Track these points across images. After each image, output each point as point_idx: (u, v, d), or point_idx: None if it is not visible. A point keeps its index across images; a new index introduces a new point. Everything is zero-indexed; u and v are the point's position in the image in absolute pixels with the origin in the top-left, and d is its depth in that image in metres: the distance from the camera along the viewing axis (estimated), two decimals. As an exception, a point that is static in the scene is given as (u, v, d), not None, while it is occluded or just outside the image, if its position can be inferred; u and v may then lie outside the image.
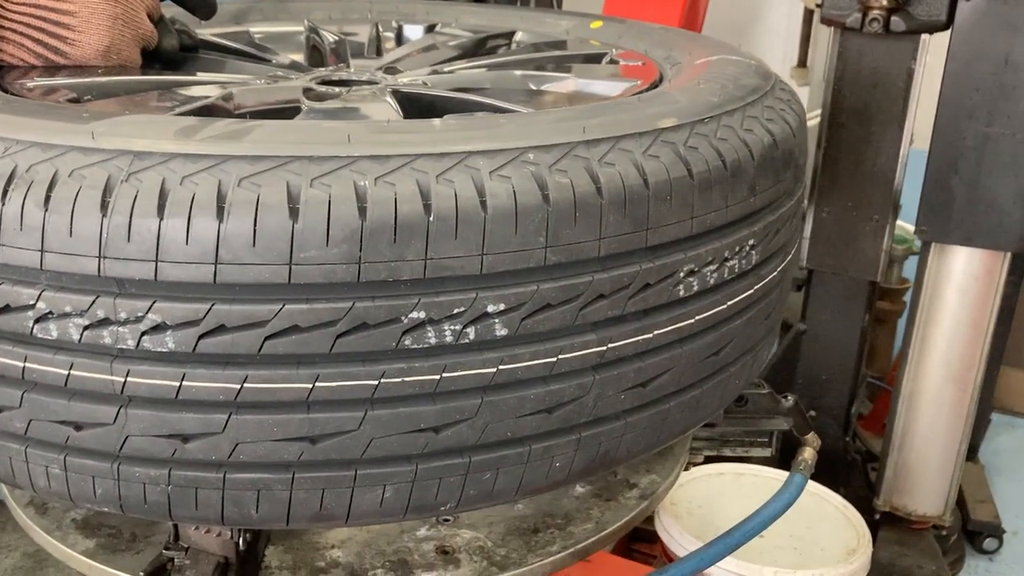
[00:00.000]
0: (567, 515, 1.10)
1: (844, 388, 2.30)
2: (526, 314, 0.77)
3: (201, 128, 0.77)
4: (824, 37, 2.41)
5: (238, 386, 0.73)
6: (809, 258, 2.21)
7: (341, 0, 1.68)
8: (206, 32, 1.37)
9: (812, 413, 2.29)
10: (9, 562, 1.21)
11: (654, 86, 1.14)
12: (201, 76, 1.21)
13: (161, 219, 0.70)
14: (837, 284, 2.23)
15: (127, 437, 0.76)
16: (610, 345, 0.83)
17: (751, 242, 0.92)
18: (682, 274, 0.85)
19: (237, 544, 0.93)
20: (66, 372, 0.74)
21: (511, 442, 0.82)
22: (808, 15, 3.24)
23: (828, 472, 2.21)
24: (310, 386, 0.74)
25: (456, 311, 0.75)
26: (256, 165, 0.72)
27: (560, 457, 0.85)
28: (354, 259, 0.71)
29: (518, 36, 1.53)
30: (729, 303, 0.92)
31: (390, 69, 1.29)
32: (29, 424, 0.77)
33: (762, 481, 1.94)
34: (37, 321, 0.74)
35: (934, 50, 1.99)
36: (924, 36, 1.97)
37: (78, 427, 0.76)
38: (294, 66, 1.31)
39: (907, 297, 2.66)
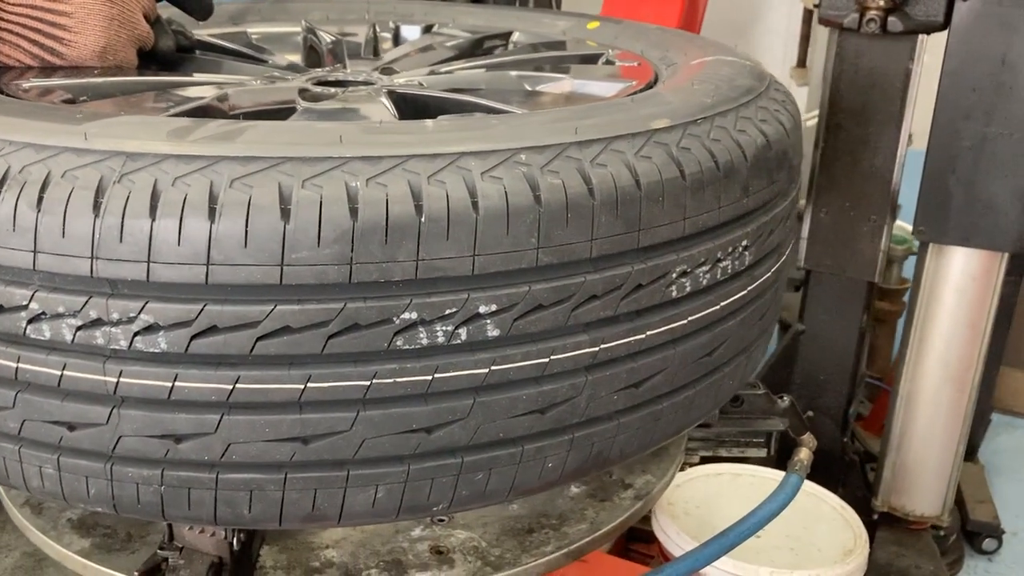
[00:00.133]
0: (562, 515, 1.10)
1: (842, 388, 2.30)
2: (518, 315, 0.77)
3: (194, 129, 0.77)
4: (823, 37, 2.41)
5: (230, 387, 0.74)
6: (807, 258, 2.21)
7: (339, 1, 1.69)
8: (203, 33, 1.37)
9: (810, 413, 2.29)
10: (9, 561, 1.21)
11: (649, 87, 1.14)
12: (197, 77, 1.21)
13: (153, 220, 0.70)
14: (835, 284, 2.23)
15: (120, 437, 0.76)
16: (602, 346, 0.83)
17: (744, 243, 0.92)
18: (675, 275, 0.85)
19: (231, 544, 0.93)
20: (59, 372, 0.75)
21: (503, 443, 0.82)
22: (808, 15, 3.24)
23: (826, 472, 2.21)
24: (302, 387, 0.74)
25: (448, 312, 0.75)
26: (248, 166, 0.72)
27: (553, 458, 0.85)
28: (345, 260, 0.71)
29: (515, 37, 1.53)
30: (722, 304, 0.92)
31: (386, 70, 1.29)
32: (23, 424, 0.77)
33: (760, 481, 1.94)
34: (30, 322, 0.74)
35: (934, 50, 1.99)
36: (921, 36, 1.97)
37: (71, 427, 0.77)
38: (291, 67, 1.32)
39: (907, 297, 2.66)
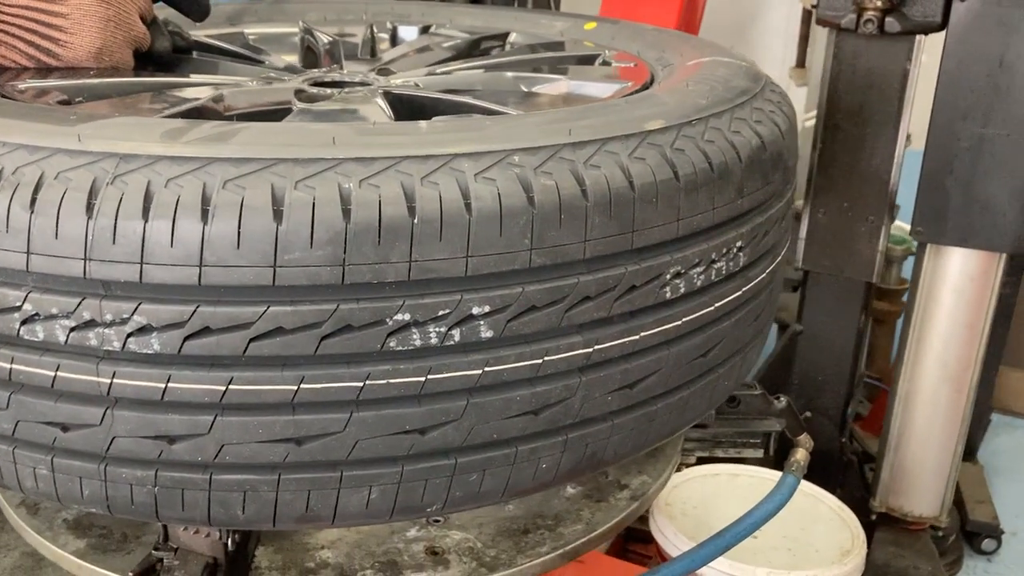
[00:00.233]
0: (557, 516, 1.10)
1: (840, 389, 2.30)
2: (511, 316, 0.77)
3: (187, 131, 0.77)
4: (822, 37, 2.40)
5: (223, 388, 0.74)
6: (805, 259, 2.21)
7: (336, 1, 1.69)
8: (200, 34, 1.37)
9: (808, 414, 2.29)
10: (8, 561, 1.22)
11: (645, 87, 1.14)
12: (194, 78, 1.21)
13: (146, 221, 0.70)
14: (833, 285, 2.23)
15: (113, 438, 0.76)
16: (596, 347, 0.83)
17: (739, 244, 0.92)
18: (668, 276, 0.85)
19: (226, 545, 0.93)
20: (53, 373, 0.75)
21: (497, 444, 0.82)
22: (807, 15, 3.23)
23: (824, 473, 2.21)
24: (295, 388, 0.74)
25: (441, 313, 0.75)
26: (241, 167, 0.72)
27: (547, 459, 0.85)
28: (338, 261, 0.71)
29: (512, 37, 1.54)
30: (717, 305, 0.92)
31: (383, 70, 1.29)
32: (16, 425, 0.78)
33: (757, 482, 1.94)
34: (24, 323, 0.74)
35: (933, 50, 1.99)
36: (919, 37, 1.97)
37: (65, 428, 0.77)
38: (288, 67, 1.32)
39: (906, 297, 2.66)
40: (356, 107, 1.06)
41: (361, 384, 0.75)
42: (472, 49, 1.49)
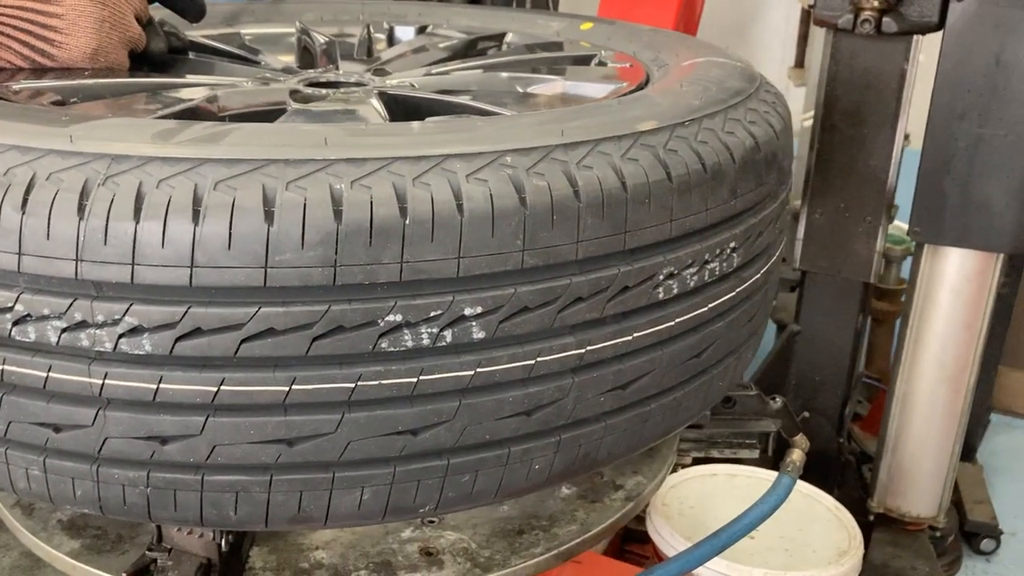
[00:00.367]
0: (552, 517, 1.10)
1: (838, 389, 2.30)
2: (503, 317, 0.77)
3: (179, 131, 0.77)
4: (821, 37, 2.40)
5: (215, 388, 0.74)
6: (802, 259, 2.21)
7: (333, 2, 1.69)
8: (196, 34, 1.37)
9: (806, 414, 2.29)
10: (7, 561, 1.21)
11: (640, 88, 1.14)
12: (189, 79, 1.21)
13: (137, 222, 0.70)
14: (830, 285, 2.23)
15: (106, 439, 0.76)
16: (589, 348, 0.83)
17: (732, 245, 0.92)
18: (661, 277, 0.85)
19: (219, 545, 0.93)
20: (44, 374, 0.75)
21: (490, 444, 0.82)
22: (806, 15, 3.24)
23: (822, 473, 2.22)
24: (287, 389, 0.74)
25: (433, 314, 0.75)
26: (232, 168, 0.72)
27: (540, 459, 0.85)
28: (330, 262, 0.71)
29: (508, 38, 1.54)
30: (710, 306, 0.92)
31: (379, 71, 1.29)
32: (8, 426, 0.78)
33: (755, 482, 1.94)
34: (15, 324, 0.74)
35: (932, 50, 1.99)
36: (917, 37, 1.97)
37: (57, 429, 0.77)
38: (284, 68, 1.32)
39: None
40: (351, 108, 1.06)
41: (353, 385, 0.75)
42: (469, 49, 1.49)
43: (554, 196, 0.77)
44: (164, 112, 0.98)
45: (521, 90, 1.20)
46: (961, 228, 1.95)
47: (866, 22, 1.91)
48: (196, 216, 0.70)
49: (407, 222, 0.72)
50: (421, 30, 1.61)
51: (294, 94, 1.10)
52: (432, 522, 1.07)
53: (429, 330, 0.75)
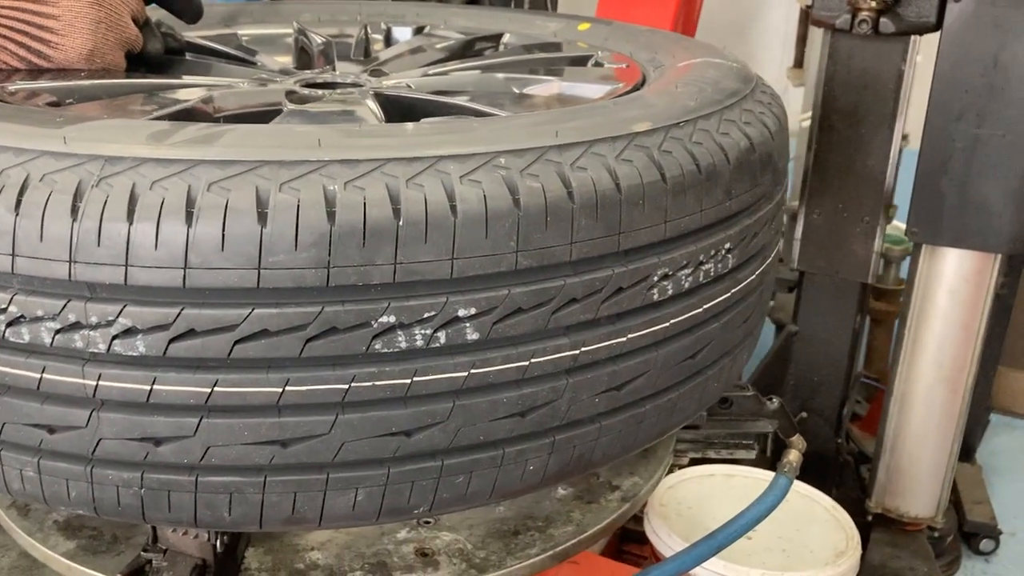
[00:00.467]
0: (548, 517, 1.10)
1: (836, 389, 2.30)
2: (497, 318, 0.77)
3: (172, 133, 0.77)
4: (819, 37, 2.40)
5: (209, 390, 0.74)
6: (800, 260, 2.21)
7: (331, 2, 1.69)
8: (193, 35, 1.37)
9: (804, 414, 2.29)
10: (6, 561, 1.21)
11: (636, 89, 1.14)
12: (186, 79, 1.21)
13: (131, 224, 0.70)
14: (828, 286, 2.23)
15: (100, 440, 0.76)
16: (583, 349, 0.83)
17: (727, 246, 0.92)
18: (656, 278, 0.85)
19: (214, 546, 0.93)
20: (38, 376, 0.75)
21: (484, 446, 0.82)
22: (804, 15, 3.23)
23: (820, 474, 2.21)
24: (280, 390, 0.74)
25: (427, 315, 0.75)
26: (226, 170, 0.72)
27: (534, 461, 0.85)
28: (323, 263, 0.71)
29: (506, 38, 1.53)
30: (705, 307, 0.92)
31: (376, 72, 1.29)
32: (2, 427, 0.78)
33: (752, 482, 1.94)
34: (9, 325, 0.74)
35: (930, 50, 1.99)
36: (914, 37, 1.97)
37: (51, 430, 0.77)
38: (281, 69, 1.32)
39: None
40: (346, 109, 1.06)
41: (347, 386, 0.75)
42: (466, 50, 1.49)
43: (548, 197, 0.77)
44: (160, 113, 0.98)
45: (517, 91, 1.20)
46: (959, 228, 1.95)
47: (863, 22, 1.91)
48: (189, 217, 0.70)
49: (400, 223, 0.72)
50: (419, 31, 1.61)
51: (290, 95, 1.10)
52: (428, 523, 1.07)
53: (423, 331, 0.75)
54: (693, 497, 1.94)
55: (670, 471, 1.34)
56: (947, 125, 1.89)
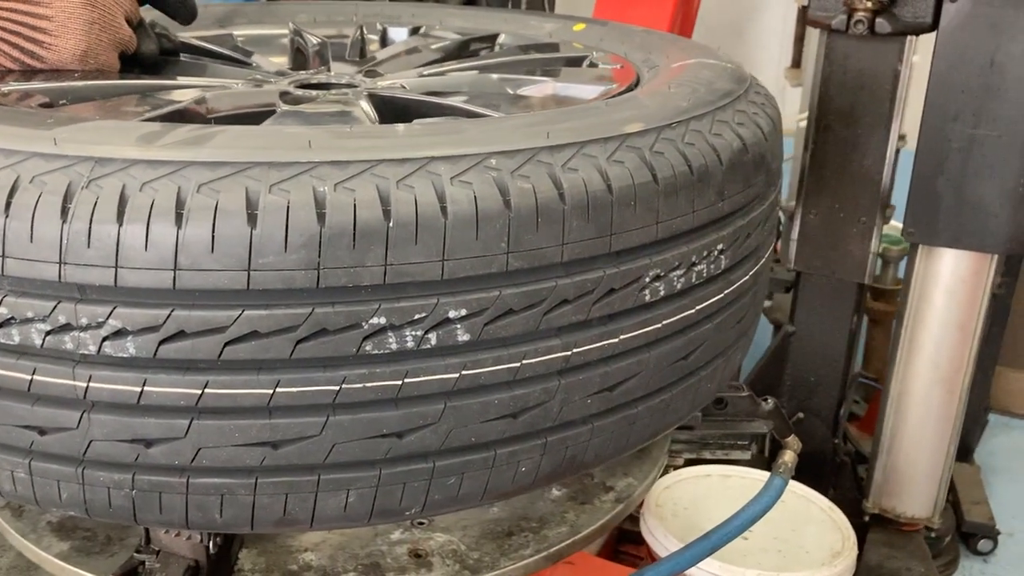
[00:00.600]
0: (542, 518, 1.10)
1: (833, 390, 2.30)
2: (488, 319, 0.77)
3: (163, 134, 0.77)
4: (816, 38, 2.40)
5: (199, 391, 0.74)
6: (797, 260, 2.21)
7: (327, 3, 1.69)
8: (188, 35, 1.37)
9: (800, 415, 2.29)
10: (4, 561, 1.21)
11: (630, 89, 1.14)
12: (180, 80, 1.21)
13: (120, 225, 0.70)
14: (825, 286, 2.23)
15: (91, 442, 0.76)
16: (575, 350, 0.83)
17: (720, 247, 0.92)
18: (648, 279, 0.85)
19: (207, 548, 0.93)
20: (29, 377, 0.75)
21: (476, 447, 0.82)
22: (802, 15, 3.23)
23: (817, 474, 2.21)
24: (271, 391, 0.74)
25: (417, 316, 0.75)
26: (216, 171, 0.72)
27: (526, 462, 0.85)
28: (313, 265, 0.71)
29: (501, 39, 1.53)
30: (698, 308, 0.92)
31: (370, 72, 1.29)
32: (-7, 429, 0.78)
33: (749, 483, 1.93)
34: (-1, 326, 0.74)
35: (925, 50, 1.99)
36: (911, 37, 1.97)
37: (42, 431, 0.77)
38: (276, 69, 1.32)
39: (900, 298, 2.65)
40: (340, 109, 1.06)
41: (337, 388, 0.75)
42: (461, 51, 1.49)
43: (539, 198, 0.77)
44: (153, 114, 0.98)
45: (511, 91, 1.20)
46: (955, 229, 1.94)
47: (859, 23, 1.91)
48: (179, 219, 0.70)
49: (391, 225, 0.72)
50: (414, 31, 1.60)
51: (284, 96, 1.10)
52: (422, 524, 1.07)
53: (413, 333, 0.75)
54: (689, 497, 1.93)
55: (665, 471, 1.34)
56: (943, 125, 1.89)
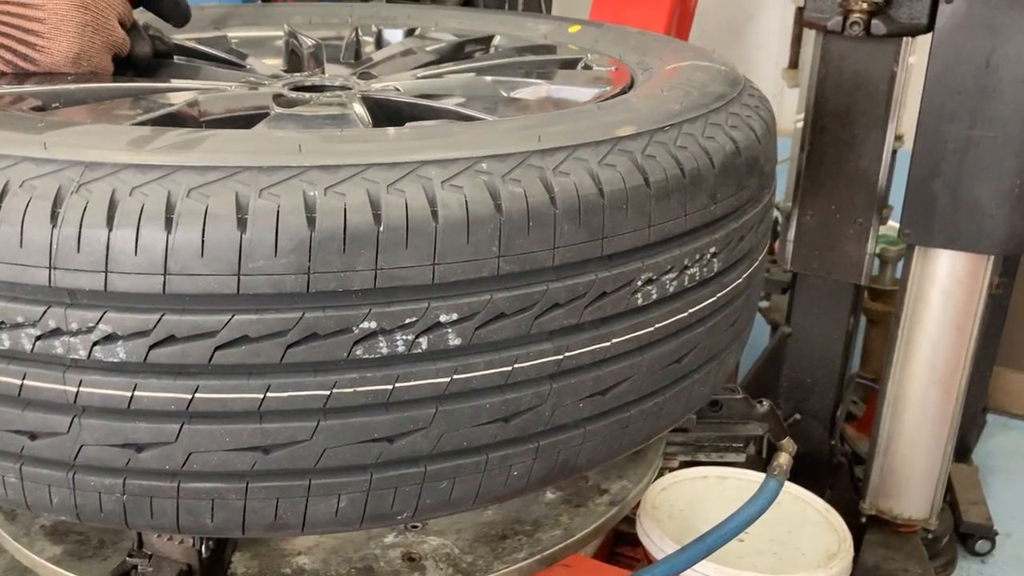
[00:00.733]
0: (536, 521, 1.10)
1: (829, 391, 2.30)
2: (480, 324, 0.77)
3: (153, 138, 0.77)
4: (813, 38, 2.40)
5: (189, 396, 0.74)
6: (793, 261, 2.21)
7: (322, 5, 1.69)
8: (182, 37, 1.37)
9: (797, 416, 2.29)
10: (2, 562, 1.21)
11: (624, 92, 1.14)
12: (174, 83, 1.21)
13: (110, 230, 0.70)
14: (822, 287, 2.23)
15: (81, 447, 0.76)
16: (567, 354, 0.83)
17: (712, 250, 0.92)
18: (640, 282, 0.85)
19: (199, 552, 0.93)
20: (19, 382, 0.75)
21: (467, 451, 0.82)
22: (799, 15, 3.22)
23: (814, 475, 2.21)
24: (261, 396, 0.74)
25: (408, 321, 0.75)
26: (206, 176, 0.72)
27: (518, 466, 0.85)
28: (303, 269, 0.71)
29: (496, 41, 1.53)
30: (690, 311, 0.92)
31: (365, 74, 1.29)
32: (-16, 433, 0.77)
33: (745, 484, 1.93)
34: (-10, 331, 0.74)
35: (922, 51, 1.98)
36: (907, 38, 1.97)
37: (33, 436, 0.77)
38: (270, 72, 1.31)
39: (898, 299, 2.65)
40: (333, 112, 1.06)
41: (328, 392, 0.75)
42: (456, 53, 1.49)
43: (530, 202, 0.77)
44: (145, 117, 0.97)
45: (505, 94, 1.20)
46: (951, 230, 1.94)
47: (855, 24, 1.91)
48: (169, 224, 0.70)
49: (381, 229, 0.72)
50: (409, 33, 1.60)
51: (277, 98, 1.09)
52: (415, 527, 1.07)
53: (404, 337, 0.75)
54: (685, 499, 1.93)
55: (660, 474, 1.34)
56: (939, 126, 1.88)
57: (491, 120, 0.98)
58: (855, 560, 1.89)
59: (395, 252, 0.73)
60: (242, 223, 0.70)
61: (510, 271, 0.77)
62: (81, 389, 0.74)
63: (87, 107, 1.05)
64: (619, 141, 0.85)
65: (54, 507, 0.80)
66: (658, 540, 1.76)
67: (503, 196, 0.76)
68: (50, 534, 1.05)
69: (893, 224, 2.43)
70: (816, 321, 2.26)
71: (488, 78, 1.23)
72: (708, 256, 0.92)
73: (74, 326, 0.72)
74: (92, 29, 1.11)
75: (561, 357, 0.82)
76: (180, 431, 0.75)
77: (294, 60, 1.45)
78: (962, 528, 2.51)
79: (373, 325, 0.74)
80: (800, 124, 2.30)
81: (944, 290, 2.02)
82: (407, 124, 0.97)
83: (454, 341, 0.77)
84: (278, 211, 0.71)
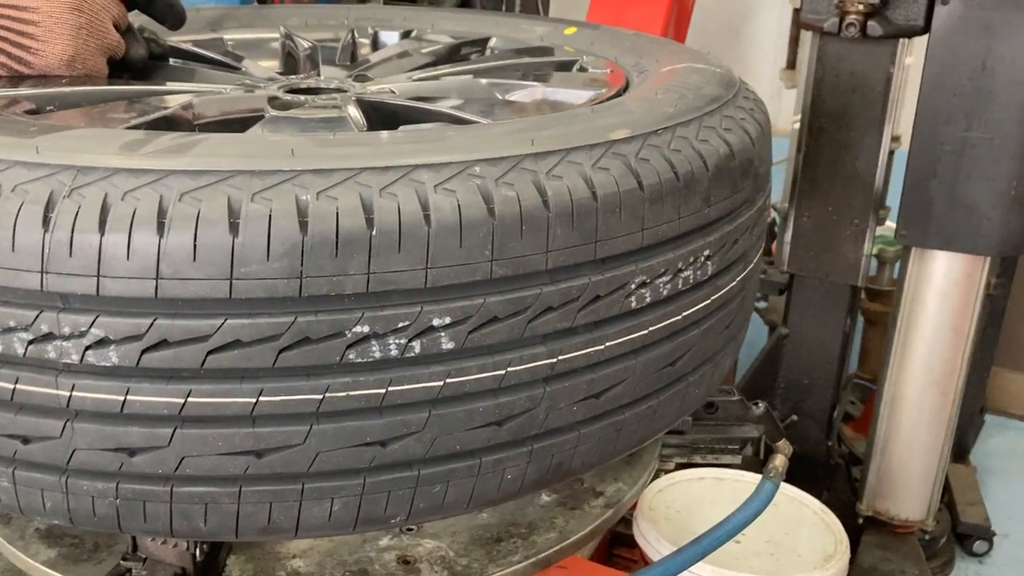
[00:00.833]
0: (531, 524, 1.10)
1: (826, 392, 2.30)
2: (473, 327, 0.77)
3: (145, 142, 0.77)
4: (810, 39, 2.40)
5: (182, 400, 0.74)
6: (790, 262, 2.21)
7: (318, 7, 1.68)
8: (178, 39, 1.37)
9: (794, 417, 2.29)
10: (0, 563, 1.21)
11: (619, 94, 1.14)
12: (169, 85, 1.21)
13: (102, 234, 0.70)
14: (818, 288, 2.23)
15: (74, 451, 0.76)
16: (560, 357, 0.83)
17: (707, 253, 0.92)
18: (633, 286, 0.85)
19: (194, 555, 0.93)
20: (12, 386, 0.75)
21: (461, 455, 0.82)
22: (797, 16, 3.22)
23: (811, 476, 2.22)
24: (254, 400, 0.74)
25: (401, 325, 0.75)
26: (198, 180, 0.72)
27: (512, 469, 0.85)
28: (295, 274, 0.71)
29: (492, 43, 1.53)
30: (684, 314, 0.92)
31: (360, 76, 1.29)
32: (-23, 438, 0.77)
33: (742, 486, 1.94)
34: (-18, 336, 0.74)
35: (919, 52, 1.98)
36: (903, 40, 1.97)
37: (25, 441, 0.77)
38: (266, 74, 1.31)
39: (895, 300, 2.65)
40: (328, 115, 1.06)
41: (321, 396, 0.75)
42: (452, 54, 1.49)
43: (523, 206, 0.77)
44: (140, 120, 0.97)
45: (500, 96, 1.20)
46: (948, 231, 1.94)
47: (851, 25, 1.91)
48: (161, 228, 0.70)
49: (374, 233, 0.72)
50: (405, 35, 1.60)
51: (272, 100, 1.09)
52: (410, 530, 1.07)
53: (397, 341, 0.75)
54: (682, 501, 1.93)
55: (656, 476, 1.34)
56: (936, 128, 1.89)
57: (484, 123, 0.98)
58: (852, 561, 1.89)
59: (388, 256, 0.73)
60: (234, 227, 0.70)
61: (503, 275, 0.77)
62: (74, 393, 0.74)
63: (82, 110, 1.04)
64: (613, 144, 0.85)
65: (47, 511, 0.80)
66: (654, 542, 1.76)
67: (496, 200, 0.76)
68: (45, 537, 1.05)
69: (891, 224, 2.43)
70: (813, 322, 2.26)
71: (484, 80, 1.22)
72: (702, 259, 0.92)
73: (66, 330, 0.72)
74: (87, 32, 1.11)
75: (555, 360, 0.82)
76: (173, 435, 0.75)
77: (290, 62, 1.45)
78: (960, 529, 2.52)
79: (366, 329, 0.74)
80: (797, 125, 2.30)
81: (941, 291, 2.02)
82: (400, 127, 0.97)
83: (447, 345, 0.77)
84: (270, 215, 0.71)
